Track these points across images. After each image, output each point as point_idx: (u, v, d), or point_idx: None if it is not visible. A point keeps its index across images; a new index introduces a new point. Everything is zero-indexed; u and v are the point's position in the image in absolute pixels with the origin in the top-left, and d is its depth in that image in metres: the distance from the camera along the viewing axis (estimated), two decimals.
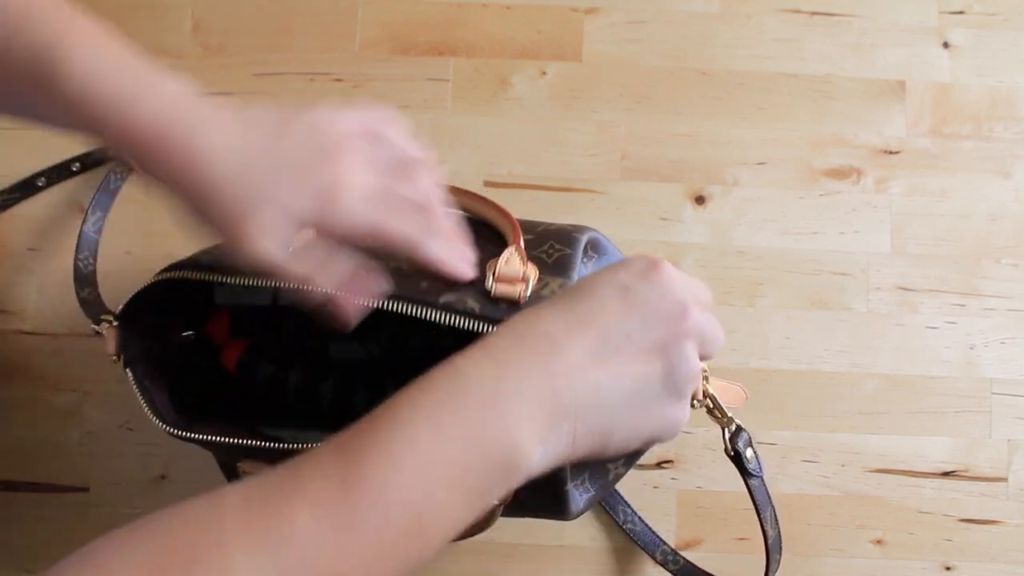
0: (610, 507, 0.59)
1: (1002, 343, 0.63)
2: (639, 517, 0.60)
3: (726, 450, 0.46)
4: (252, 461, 0.48)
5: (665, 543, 0.59)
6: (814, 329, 0.63)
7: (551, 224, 0.50)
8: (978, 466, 0.62)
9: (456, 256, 0.43)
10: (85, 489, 0.61)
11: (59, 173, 0.64)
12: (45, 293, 0.63)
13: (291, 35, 0.66)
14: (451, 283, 0.44)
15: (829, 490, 0.61)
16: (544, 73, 0.66)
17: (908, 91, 0.65)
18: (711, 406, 0.44)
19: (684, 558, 0.59)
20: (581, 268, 0.48)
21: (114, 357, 0.47)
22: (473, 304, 0.43)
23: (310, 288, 0.40)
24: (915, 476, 0.61)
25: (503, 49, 0.66)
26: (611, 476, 0.50)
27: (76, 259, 0.60)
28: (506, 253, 0.45)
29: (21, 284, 0.63)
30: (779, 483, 0.61)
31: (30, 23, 0.38)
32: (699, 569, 0.59)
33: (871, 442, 0.62)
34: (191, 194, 0.39)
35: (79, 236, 0.61)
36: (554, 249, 0.48)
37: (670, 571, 0.59)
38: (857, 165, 0.65)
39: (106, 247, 0.63)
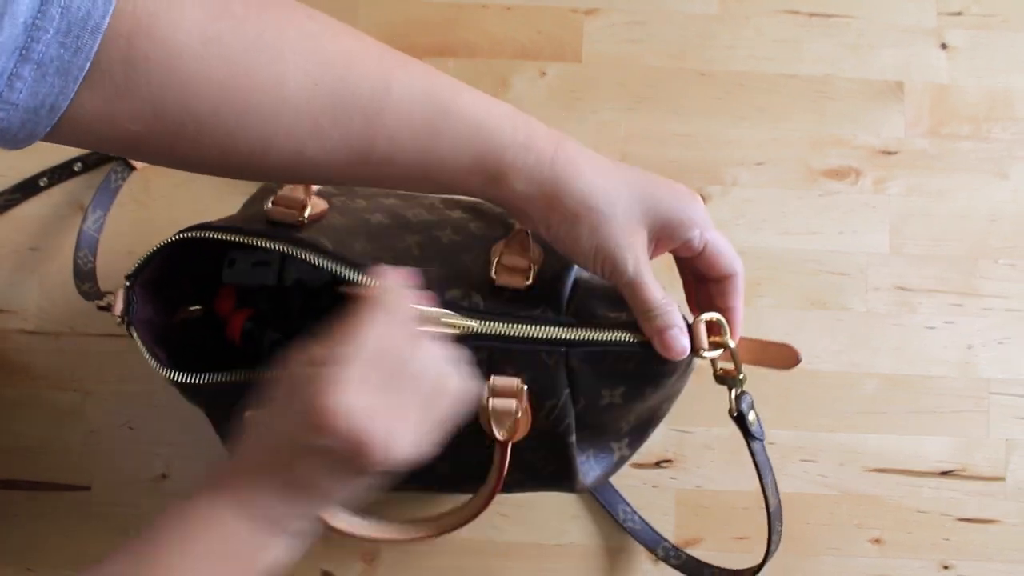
0: (610, 506, 0.60)
1: (1000, 343, 0.63)
2: (639, 516, 0.60)
3: (730, 411, 0.46)
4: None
5: (666, 539, 0.59)
6: (813, 329, 0.63)
7: None
8: (976, 465, 0.62)
9: None
10: (87, 488, 0.61)
11: (61, 173, 0.64)
12: (47, 293, 0.63)
13: None
14: (460, 273, 0.45)
15: (827, 489, 0.61)
16: (544, 73, 0.66)
17: (906, 92, 0.66)
18: (718, 368, 0.45)
19: (686, 553, 0.59)
20: None
21: (119, 319, 0.47)
22: (478, 299, 0.44)
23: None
24: (913, 475, 0.62)
25: (503, 49, 0.66)
26: (615, 457, 0.51)
27: (76, 257, 0.60)
28: (511, 237, 0.46)
29: (23, 284, 0.63)
30: (778, 482, 0.61)
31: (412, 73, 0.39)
32: (701, 562, 0.59)
33: (870, 442, 0.62)
34: None
35: (79, 234, 0.61)
36: None
37: (672, 566, 0.59)
38: (856, 165, 0.65)
39: (108, 247, 0.63)
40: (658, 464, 0.62)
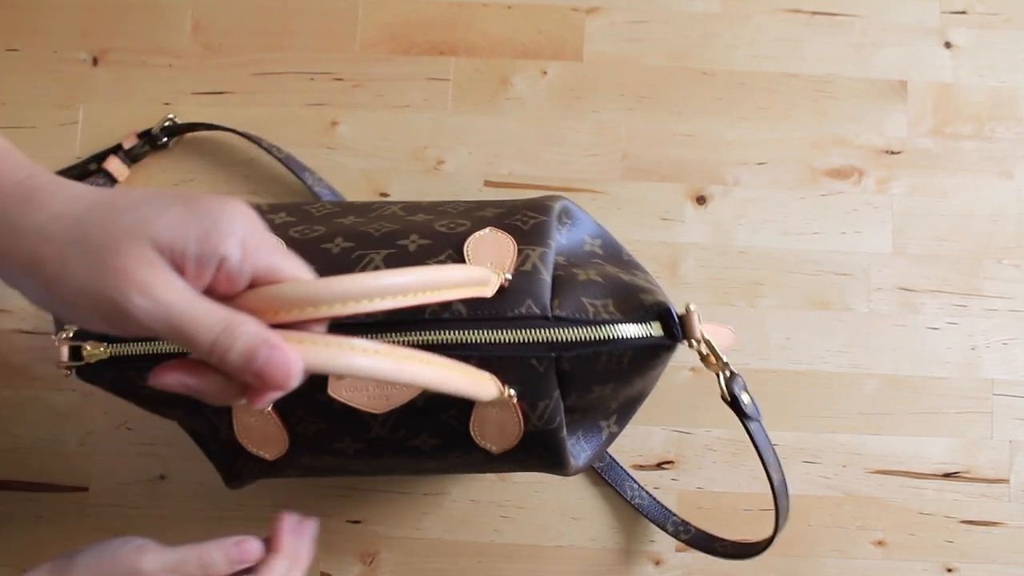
0: (617, 484, 0.60)
1: (1004, 344, 0.62)
2: (647, 492, 0.59)
3: (723, 396, 0.46)
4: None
5: (674, 514, 0.59)
6: (815, 329, 0.62)
7: (519, 199, 0.51)
8: (979, 467, 0.61)
9: None
10: (84, 489, 0.61)
11: None
12: None
13: (291, 35, 0.66)
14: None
15: (830, 491, 0.61)
16: (544, 73, 0.65)
17: (909, 91, 0.65)
18: (705, 352, 0.45)
19: (695, 527, 0.58)
20: (557, 235, 0.47)
21: (65, 372, 0.44)
22: (459, 306, 0.43)
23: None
24: (916, 477, 0.61)
25: (503, 49, 0.66)
26: (604, 435, 0.51)
27: None
28: (474, 237, 0.45)
29: None
30: None
31: None
32: (712, 536, 0.58)
33: (872, 443, 0.61)
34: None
35: None
36: (528, 217, 0.47)
37: (682, 541, 0.59)
38: (858, 165, 0.64)
39: None
40: (659, 466, 0.61)
